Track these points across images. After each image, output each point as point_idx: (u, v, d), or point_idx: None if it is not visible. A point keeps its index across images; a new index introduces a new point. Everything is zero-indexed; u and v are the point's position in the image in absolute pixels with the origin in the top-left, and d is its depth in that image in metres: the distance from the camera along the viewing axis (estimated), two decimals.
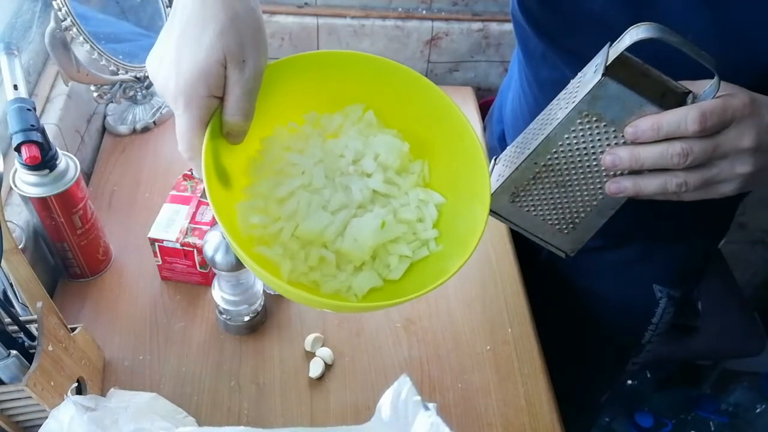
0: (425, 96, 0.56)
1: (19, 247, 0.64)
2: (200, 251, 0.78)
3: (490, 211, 0.52)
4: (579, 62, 0.53)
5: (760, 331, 1.43)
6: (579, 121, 0.49)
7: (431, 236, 0.55)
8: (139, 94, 1.05)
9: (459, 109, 0.55)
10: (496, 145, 0.99)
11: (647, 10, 0.57)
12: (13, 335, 0.61)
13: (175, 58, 0.46)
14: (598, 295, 0.91)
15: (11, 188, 0.74)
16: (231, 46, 0.45)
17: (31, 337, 0.62)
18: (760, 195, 1.59)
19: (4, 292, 0.67)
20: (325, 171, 0.55)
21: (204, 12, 0.44)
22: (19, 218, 0.78)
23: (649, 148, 0.47)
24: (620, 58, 0.48)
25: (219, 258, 0.70)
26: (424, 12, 1.16)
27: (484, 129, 1.11)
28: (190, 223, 0.80)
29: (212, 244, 0.70)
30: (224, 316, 0.78)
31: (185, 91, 0.46)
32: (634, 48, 0.47)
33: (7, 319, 0.61)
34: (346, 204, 0.54)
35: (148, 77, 1.02)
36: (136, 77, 1.00)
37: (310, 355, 0.79)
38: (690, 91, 0.49)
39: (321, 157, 0.55)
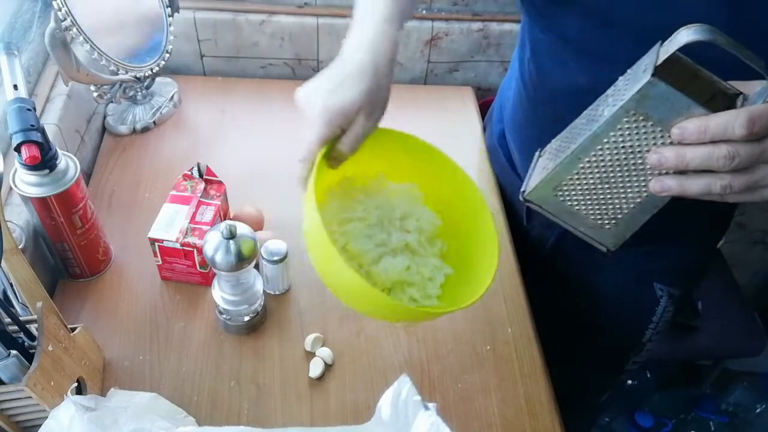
0: (462, 183, 0.72)
1: (19, 247, 0.64)
2: (200, 251, 0.78)
3: (531, 202, 0.57)
4: (593, 61, 0.53)
5: (760, 331, 1.43)
6: (626, 119, 0.49)
7: (434, 294, 0.69)
8: (139, 94, 1.05)
9: (481, 193, 0.70)
10: (496, 144, 0.99)
11: (668, 9, 0.58)
12: (13, 335, 0.61)
13: (330, 92, 0.62)
14: (599, 294, 0.91)
15: (11, 188, 0.74)
16: (367, 103, 0.62)
17: (31, 337, 0.62)
18: None
19: (4, 292, 0.67)
20: (379, 215, 0.70)
21: (361, 74, 0.61)
22: (19, 218, 0.78)
23: (696, 149, 0.47)
24: (671, 58, 0.48)
25: (219, 258, 0.70)
26: (423, 12, 1.16)
27: (484, 129, 1.11)
28: (190, 223, 0.80)
29: (212, 244, 0.70)
30: (224, 316, 0.78)
31: (329, 115, 0.61)
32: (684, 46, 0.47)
33: (7, 319, 0.61)
34: (385, 243, 0.69)
35: (148, 77, 1.02)
36: (136, 77, 1.00)
37: (310, 355, 0.79)
38: (741, 93, 0.49)
39: (379, 204, 0.71)
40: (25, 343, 0.62)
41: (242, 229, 0.71)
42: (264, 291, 0.81)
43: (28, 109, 0.68)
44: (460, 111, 1.16)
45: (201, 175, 0.85)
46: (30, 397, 0.59)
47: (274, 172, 1.00)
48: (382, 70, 0.63)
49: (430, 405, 0.54)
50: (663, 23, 0.55)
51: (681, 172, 0.49)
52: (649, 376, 1.63)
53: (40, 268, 0.80)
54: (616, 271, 0.87)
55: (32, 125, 0.68)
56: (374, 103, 0.63)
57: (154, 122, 1.05)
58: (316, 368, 0.77)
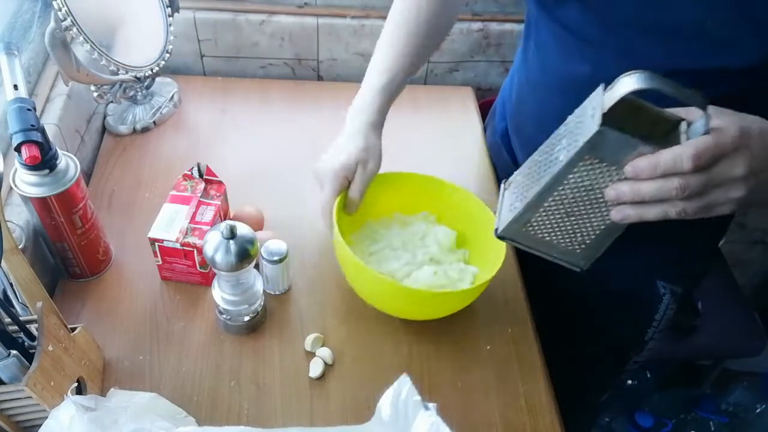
0: (470, 202, 0.86)
1: (19, 247, 0.64)
2: (200, 251, 0.78)
3: (505, 237, 0.62)
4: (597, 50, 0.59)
5: (760, 331, 1.43)
6: (581, 163, 0.53)
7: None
8: (139, 94, 1.05)
9: (481, 202, 0.84)
10: (498, 142, 0.99)
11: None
12: (13, 335, 0.61)
13: (334, 155, 0.79)
14: (601, 291, 0.91)
15: (11, 188, 0.74)
16: (362, 156, 0.78)
17: (31, 337, 0.62)
18: None
19: (4, 292, 0.67)
20: (403, 241, 0.85)
21: (354, 138, 0.79)
22: (19, 218, 0.78)
23: (650, 184, 0.52)
24: (617, 102, 0.51)
25: (219, 258, 0.70)
26: None
27: (485, 129, 1.11)
28: (190, 223, 0.80)
29: (212, 244, 0.70)
30: (224, 316, 0.78)
31: (334, 172, 0.78)
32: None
33: (7, 319, 0.61)
34: (412, 261, 0.83)
35: (148, 77, 1.02)
36: (136, 77, 1.00)
37: (310, 355, 0.79)
38: (682, 120, 0.53)
39: (400, 232, 0.86)
40: (25, 343, 0.62)
41: (242, 229, 0.71)
42: (264, 291, 0.81)
43: (28, 109, 0.68)
44: (460, 111, 1.16)
45: (201, 175, 0.85)
46: (30, 397, 0.59)
47: (274, 172, 1.00)
48: (373, 129, 0.80)
49: (430, 405, 0.54)
50: (663, 23, 0.56)
51: (641, 202, 0.53)
52: (649, 376, 1.63)
53: (40, 268, 0.80)
54: (619, 269, 0.87)
55: (32, 125, 0.68)
56: (369, 155, 0.79)
57: (154, 122, 1.05)
58: (316, 368, 0.77)
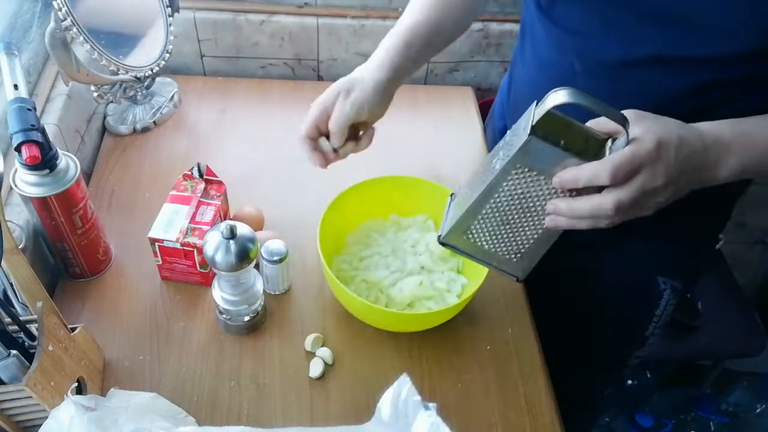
0: None
1: (19, 247, 0.64)
2: (200, 251, 0.78)
3: (448, 245, 0.66)
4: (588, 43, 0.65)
5: (760, 331, 1.43)
6: (514, 171, 0.57)
7: (453, 302, 0.79)
8: (139, 94, 1.05)
9: None
10: (498, 140, 0.99)
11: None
12: (13, 335, 0.61)
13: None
14: (602, 287, 0.91)
15: (11, 188, 0.74)
16: (345, 85, 0.73)
17: (31, 337, 0.62)
18: (760, 195, 1.59)
19: (4, 292, 0.67)
20: (393, 248, 0.84)
21: (346, 78, 0.74)
22: (19, 218, 0.78)
23: (584, 203, 0.56)
24: (545, 115, 0.55)
25: (219, 258, 0.70)
26: None
27: (484, 129, 1.11)
28: (190, 223, 0.80)
29: (212, 243, 0.70)
30: (224, 316, 0.78)
31: (317, 101, 0.74)
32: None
33: (7, 319, 0.61)
34: (401, 269, 0.82)
35: (148, 77, 1.02)
36: (136, 77, 1.00)
37: (310, 355, 0.79)
38: (609, 137, 0.57)
39: (392, 238, 0.86)
40: (25, 343, 0.62)
41: (242, 229, 0.71)
42: (264, 291, 0.81)
43: (29, 109, 0.68)
44: (460, 111, 1.16)
45: (201, 175, 0.85)
46: (30, 397, 0.59)
47: (274, 172, 1.00)
48: (376, 67, 0.75)
49: (430, 405, 0.54)
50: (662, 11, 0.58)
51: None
52: (649, 376, 1.63)
53: (40, 268, 0.80)
54: (619, 264, 0.88)
55: (32, 125, 0.68)
56: (355, 83, 0.73)
57: (154, 122, 1.05)
58: (316, 368, 0.77)
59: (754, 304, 1.53)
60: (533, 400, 0.77)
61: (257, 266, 0.80)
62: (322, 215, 0.80)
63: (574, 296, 0.94)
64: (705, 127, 0.60)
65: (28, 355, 0.60)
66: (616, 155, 0.54)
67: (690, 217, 0.81)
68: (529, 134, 0.54)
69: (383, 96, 0.75)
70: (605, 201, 0.55)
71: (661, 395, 1.62)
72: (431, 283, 0.81)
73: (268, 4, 1.13)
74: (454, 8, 0.81)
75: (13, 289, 0.66)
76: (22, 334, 0.62)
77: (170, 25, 1.03)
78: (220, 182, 0.86)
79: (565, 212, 0.57)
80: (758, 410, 1.63)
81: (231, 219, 0.86)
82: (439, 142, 1.09)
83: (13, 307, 0.67)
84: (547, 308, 0.89)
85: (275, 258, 0.79)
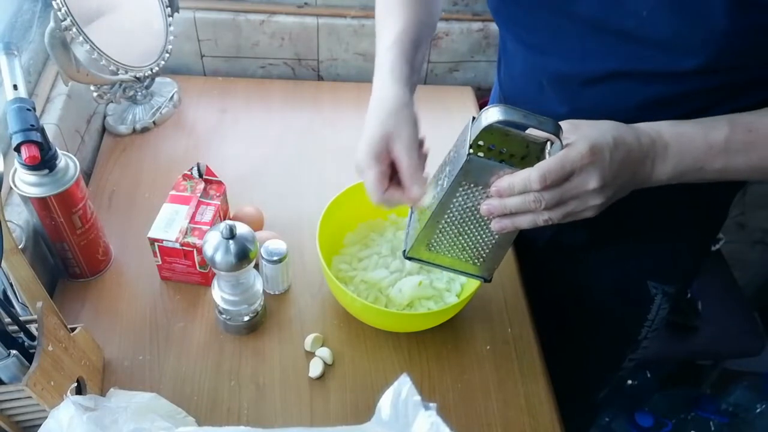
0: None
1: (19, 247, 0.64)
2: (200, 251, 0.78)
3: (413, 258, 0.68)
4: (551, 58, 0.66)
5: (760, 331, 1.43)
6: (460, 188, 0.61)
7: (452, 302, 0.80)
8: (139, 94, 1.05)
9: None
10: None
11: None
12: (13, 335, 0.61)
13: (362, 140, 0.67)
14: (593, 291, 0.91)
15: (11, 188, 0.74)
16: (388, 129, 0.65)
17: (31, 337, 0.62)
18: (759, 195, 1.59)
19: (4, 292, 0.67)
20: (392, 248, 0.84)
21: (375, 108, 0.67)
22: (19, 218, 0.78)
23: (513, 199, 0.59)
24: (483, 131, 0.58)
25: (218, 258, 0.70)
26: None
27: None
28: (189, 223, 0.80)
29: (212, 243, 0.70)
30: (224, 316, 0.78)
31: (365, 163, 0.66)
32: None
33: (7, 319, 0.61)
34: (400, 269, 0.82)
35: (147, 77, 1.02)
36: (136, 77, 1.00)
37: (310, 355, 0.79)
38: (547, 141, 0.59)
39: (390, 239, 0.86)
40: (25, 343, 0.62)
41: (242, 229, 0.71)
42: (264, 291, 0.81)
43: (28, 109, 0.68)
44: (460, 111, 1.16)
45: (201, 175, 0.85)
46: (30, 397, 0.59)
47: (274, 172, 1.00)
48: (394, 83, 0.68)
49: (430, 405, 0.54)
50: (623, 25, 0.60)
51: (511, 214, 0.60)
52: (649, 375, 1.63)
53: (40, 268, 0.80)
54: (609, 269, 0.88)
55: (32, 125, 0.68)
56: (398, 121, 0.66)
57: (154, 122, 1.05)
58: (316, 368, 0.77)
59: (754, 304, 1.53)
60: (533, 400, 0.77)
61: (257, 266, 0.80)
62: (322, 215, 0.80)
63: (567, 298, 0.95)
64: (643, 126, 0.61)
65: (27, 355, 0.60)
66: (543, 163, 0.57)
67: (682, 221, 0.81)
68: (468, 154, 0.58)
69: (416, 115, 0.69)
70: (528, 195, 0.58)
71: (661, 395, 1.62)
72: (430, 283, 0.81)
73: (268, 4, 1.13)
74: (429, 4, 0.78)
75: (13, 289, 0.66)
76: (22, 334, 0.62)
77: (170, 25, 1.03)
78: (219, 182, 0.86)
79: (498, 209, 0.59)
80: (758, 410, 1.63)
81: (231, 219, 0.86)
82: (438, 142, 1.09)
83: (13, 307, 0.67)
84: (547, 308, 0.89)
85: (275, 258, 0.79)
